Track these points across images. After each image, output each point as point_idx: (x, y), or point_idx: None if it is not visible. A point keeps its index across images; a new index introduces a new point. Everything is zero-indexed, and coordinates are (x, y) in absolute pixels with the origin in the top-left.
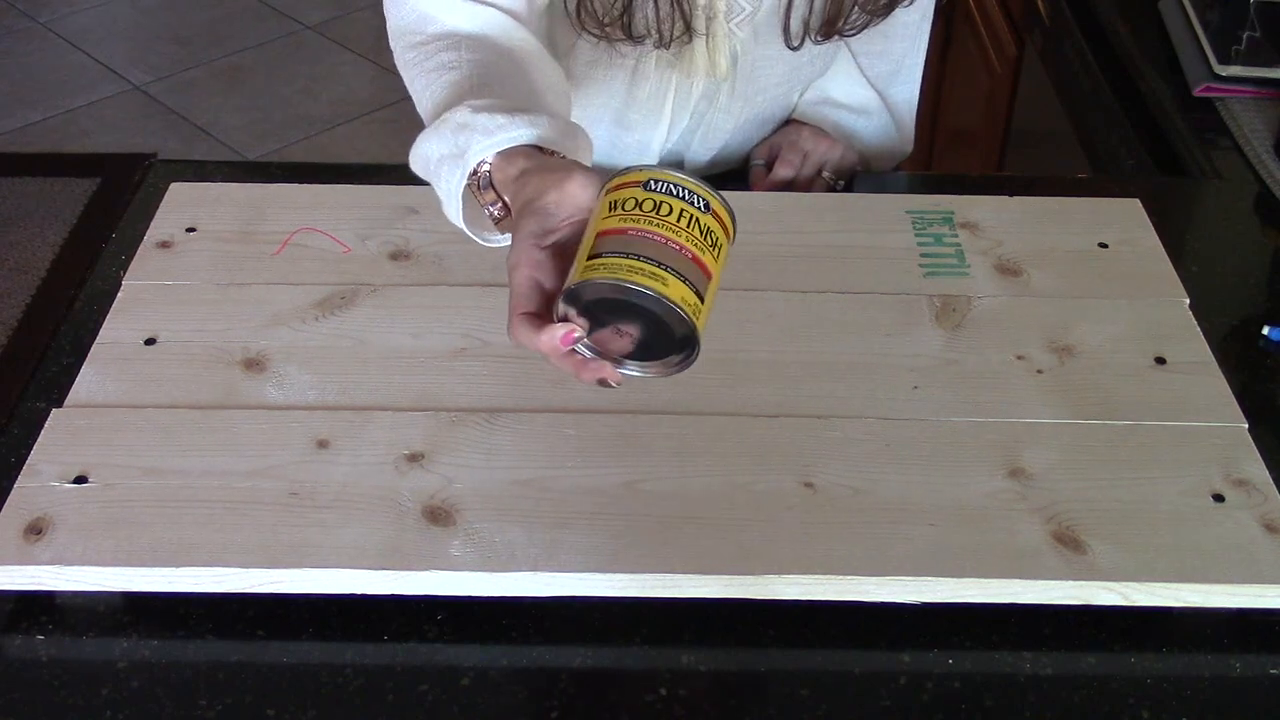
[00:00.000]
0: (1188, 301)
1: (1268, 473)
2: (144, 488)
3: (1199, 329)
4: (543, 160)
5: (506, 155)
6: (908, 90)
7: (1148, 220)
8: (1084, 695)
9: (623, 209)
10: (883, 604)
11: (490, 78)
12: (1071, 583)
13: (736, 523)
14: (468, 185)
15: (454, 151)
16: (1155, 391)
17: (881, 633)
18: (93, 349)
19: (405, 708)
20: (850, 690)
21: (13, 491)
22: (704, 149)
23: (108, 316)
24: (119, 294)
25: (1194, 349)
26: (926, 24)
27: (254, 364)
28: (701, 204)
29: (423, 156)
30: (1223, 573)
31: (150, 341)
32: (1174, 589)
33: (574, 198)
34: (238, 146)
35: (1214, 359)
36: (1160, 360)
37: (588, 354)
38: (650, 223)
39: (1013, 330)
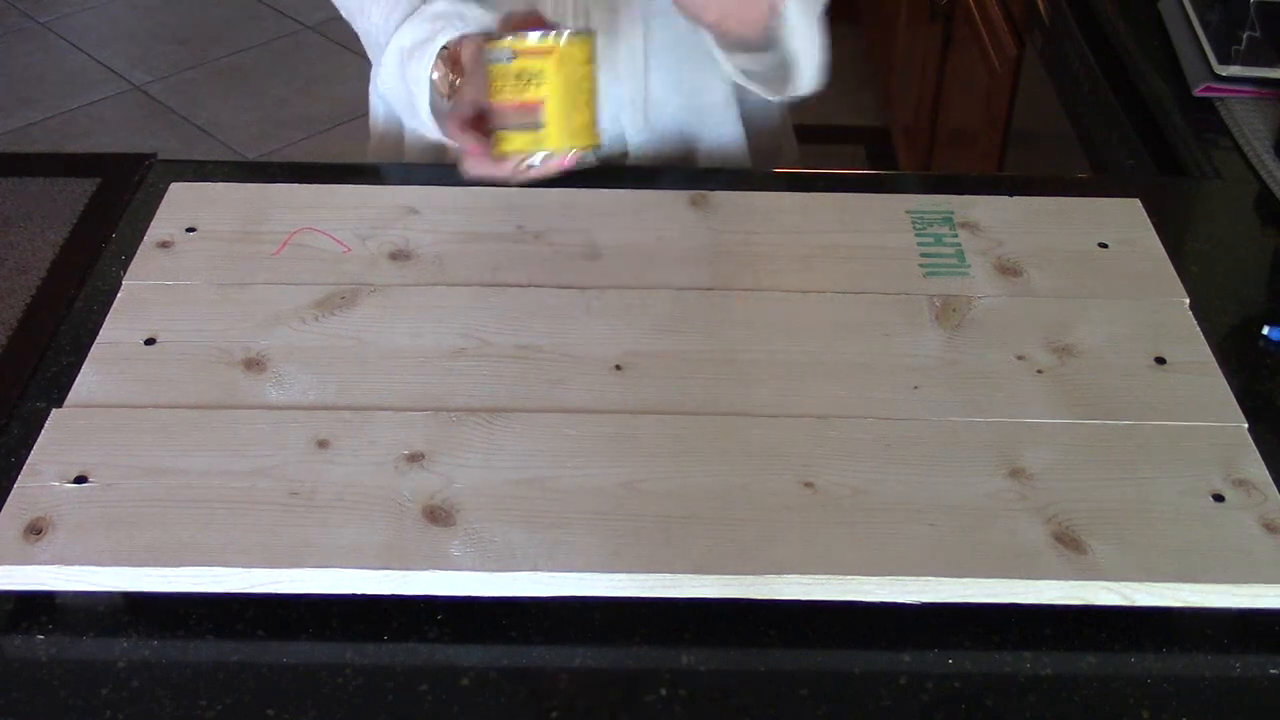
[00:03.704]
0: (1188, 301)
1: (1268, 473)
2: (144, 488)
3: (1199, 329)
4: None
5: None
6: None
7: (1148, 220)
8: (1084, 695)
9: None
10: (883, 604)
11: None
12: (1071, 583)
13: (736, 523)
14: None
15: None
16: (1155, 391)
17: (881, 633)
18: (93, 349)
19: (405, 708)
20: (850, 690)
21: (13, 491)
22: None
23: (108, 316)
24: (119, 294)
25: (1194, 349)
26: None
27: (254, 364)
28: (507, 56)
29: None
30: (1223, 573)
31: (150, 341)
32: (1174, 589)
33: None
34: (238, 146)
35: (1214, 359)
36: (1160, 360)
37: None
38: (492, 94)
39: (1013, 330)
